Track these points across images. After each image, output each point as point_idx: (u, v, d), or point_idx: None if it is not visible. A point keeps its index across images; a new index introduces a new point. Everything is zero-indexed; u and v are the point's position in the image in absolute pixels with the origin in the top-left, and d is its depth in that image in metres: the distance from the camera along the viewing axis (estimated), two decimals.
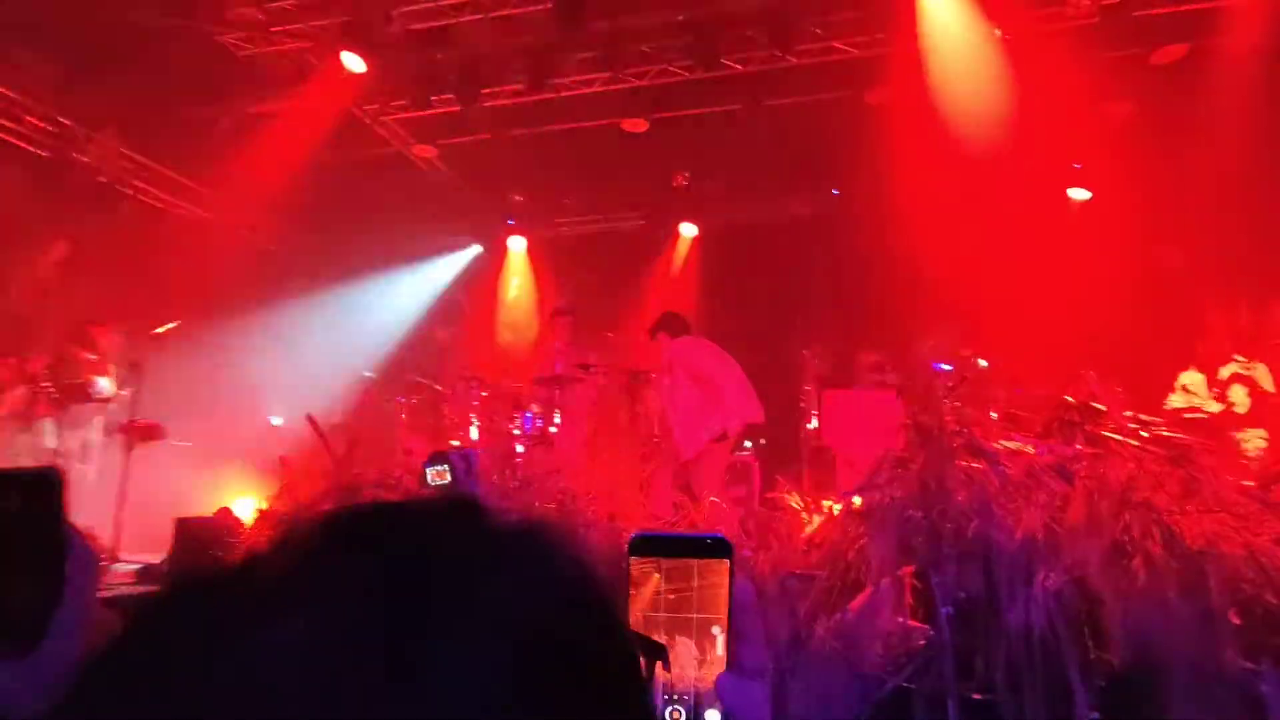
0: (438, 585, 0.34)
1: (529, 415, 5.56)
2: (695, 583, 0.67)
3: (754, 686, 0.64)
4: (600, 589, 0.40)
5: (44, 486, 0.71)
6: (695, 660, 0.66)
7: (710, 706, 0.66)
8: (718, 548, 0.67)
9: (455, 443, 5.35)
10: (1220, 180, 5.85)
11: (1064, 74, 5.90)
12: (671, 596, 0.67)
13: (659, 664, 0.65)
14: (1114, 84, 6.32)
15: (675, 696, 0.66)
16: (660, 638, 0.66)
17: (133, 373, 5.39)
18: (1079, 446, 2.10)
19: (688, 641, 0.67)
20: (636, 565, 0.67)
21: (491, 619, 0.34)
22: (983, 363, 5.85)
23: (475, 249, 9.34)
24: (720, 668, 0.65)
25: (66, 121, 6.18)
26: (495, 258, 9.23)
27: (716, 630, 0.67)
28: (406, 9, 6.29)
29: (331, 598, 0.33)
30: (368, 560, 0.35)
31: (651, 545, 0.68)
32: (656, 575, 0.67)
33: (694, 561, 0.67)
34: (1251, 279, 5.44)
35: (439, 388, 5.87)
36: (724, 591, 0.67)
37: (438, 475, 2.07)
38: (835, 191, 8.43)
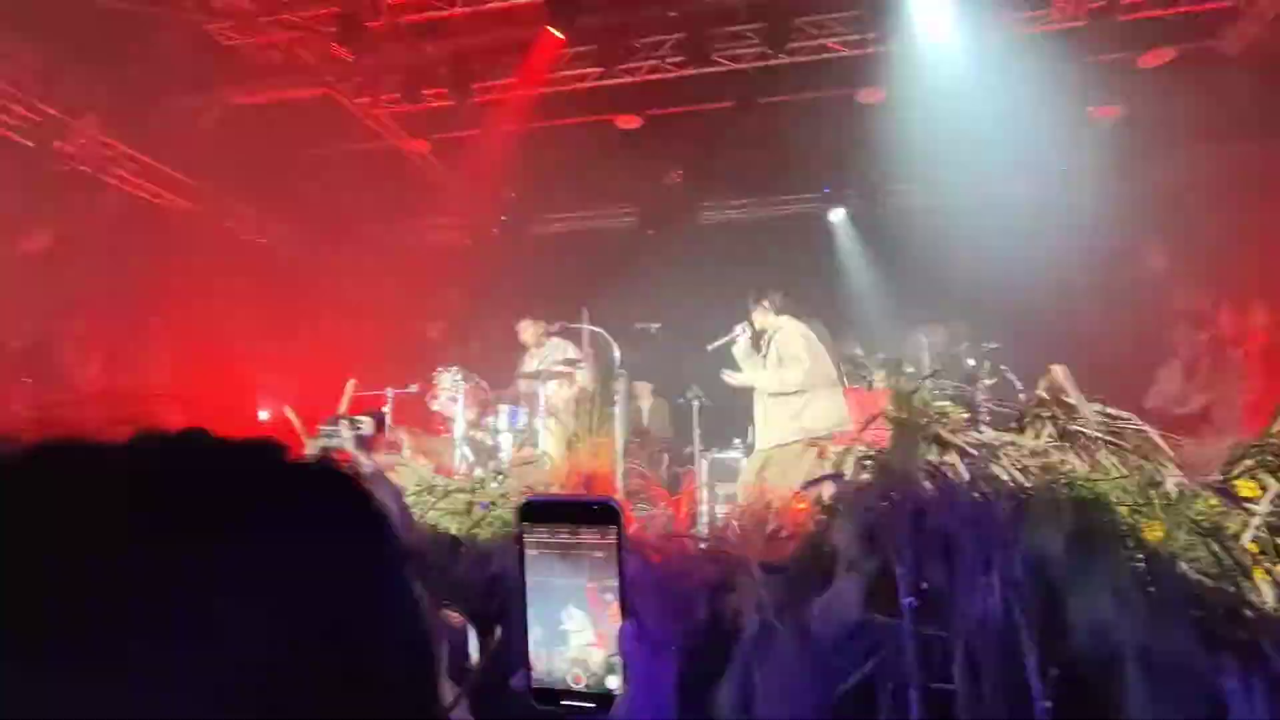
0: (221, 506, 0.38)
1: (514, 410, 5.55)
2: (586, 548, 0.67)
3: (657, 640, 0.64)
4: (372, 520, 0.42)
5: None
6: (592, 626, 0.66)
7: (610, 672, 0.65)
8: (605, 513, 0.66)
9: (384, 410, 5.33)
10: (1207, 181, 5.86)
11: (1052, 75, 5.90)
12: (566, 564, 0.67)
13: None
14: (1102, 86, 6.33)
15: (576, 662, 0.65)
16: (554, 608, 0.66)
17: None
18: (1049, 439, 2.12)
19: (579, 612, 0.66)
20: (529, 532, 0.67)
21: (266, 540, 0.37)
22: (971, 362, 5.85)
23: (466, 244, 9.33)
24: (616, 627, 0.65)
25: (50, 110, 6.12)
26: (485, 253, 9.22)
27: (609, 595, 0.66)
28: (396, 1, 6.26)
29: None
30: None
31: (543, 511, 0.68)
32: (550, 543, 0.67)
33: (583, 527, 0.67)
34: (1235, 279, 5.45)
35: (411, 387, 5.77)
36: (615, 555, 0.66)
37: (353, 427, 2.15)
38: (826, 189, 8.45)
